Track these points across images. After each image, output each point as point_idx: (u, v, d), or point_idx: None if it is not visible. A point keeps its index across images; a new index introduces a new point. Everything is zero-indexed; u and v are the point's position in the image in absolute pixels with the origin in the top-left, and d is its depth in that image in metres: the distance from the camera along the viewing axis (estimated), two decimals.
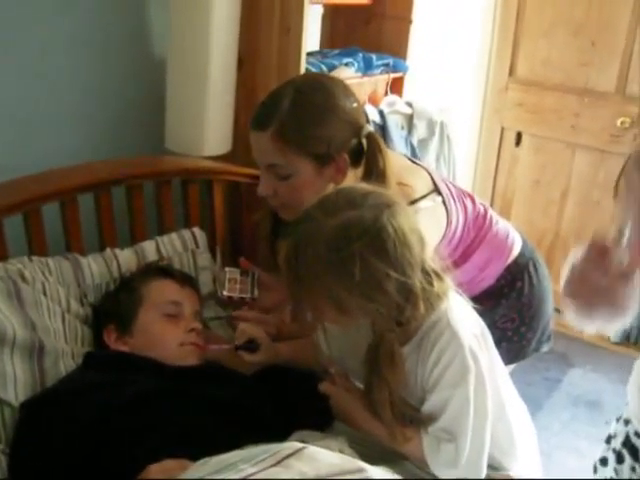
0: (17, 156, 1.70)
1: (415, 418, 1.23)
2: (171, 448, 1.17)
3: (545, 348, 1.82)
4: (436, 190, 1.49)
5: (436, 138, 2.35)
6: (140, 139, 1.98)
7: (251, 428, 1.29)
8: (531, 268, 1.71)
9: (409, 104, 2.29)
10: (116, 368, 1.38)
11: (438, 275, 1.15)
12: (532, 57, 3.29)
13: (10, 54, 1.67)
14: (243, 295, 1.61)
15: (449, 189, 1.54)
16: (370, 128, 1.45)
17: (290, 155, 1.37)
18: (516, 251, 1.68)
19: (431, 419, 1.20)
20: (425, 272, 1.13)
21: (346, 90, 1.43)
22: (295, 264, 1.11)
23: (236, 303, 1.64)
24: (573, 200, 3.34)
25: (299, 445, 0.97)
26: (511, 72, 3.36)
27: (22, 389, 1.31)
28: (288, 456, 0.95)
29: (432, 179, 1.51)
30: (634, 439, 1.30)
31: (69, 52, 1.79)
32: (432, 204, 1.46)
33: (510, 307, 1.71)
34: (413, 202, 1.42)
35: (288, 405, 1.40)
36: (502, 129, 3.48)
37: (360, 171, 1.43)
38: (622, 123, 3.07)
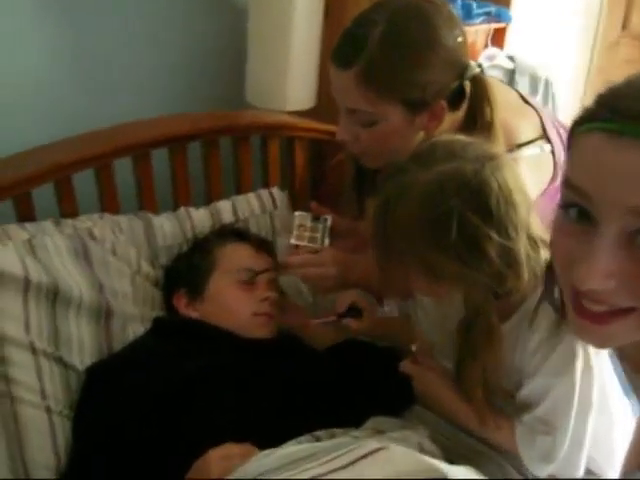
0: (92, 109, 1.64)
1: (509, 404, 1.11)
2: (236, 428, 1.10)
3: None
4: (545, 137, 1.29)
5: (539, 96, 2.14)
6: (219, 92, 1.88)
7: (324, 410, 1.21)
8: None
9: (511, 58, 2.09)
10: (185, 336, 1.31)
11: (545, 242, 0.99)
12: None
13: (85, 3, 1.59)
14: (312, 244, 1.42)
15: (561, 137, 1.33)
16: (476, 68, 1.21)
17: (377, 100, 1.17)
18: None
19: (528, 407, 1.08)
20: (530, 237, 0.98)
21: (451, 19, 1.18)
22: (384, 223, 0.98)
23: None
24: None
25: (374, 445, 0.86)
26: (624, 25, 3.07)
27: (88, 353, 1.26)
28: (361, 457, 0.83)
29: (542, 123, 1.31)
30: None
31: (146, 2, 1.70)
32: (538, 152, 1.27)
33: None
34: (517, 147, 1.24)
35: (365, 385, 1.30)
36: None
37: (459, 116, 1.23)
38: None
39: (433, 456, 1.08)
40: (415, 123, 1.20)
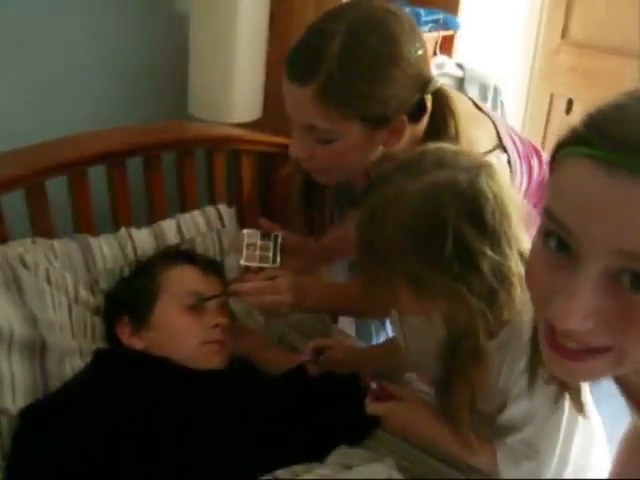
0: (24, 123, 1.52)
1: (489, 427, 1.06)
2: (190, 467, 1.03)
3: None
4: (501, 146, 1.25)
5: (489, 104, 2.11)
6: (160, 104, 1.78)
7: (285, 443, 1.13)
8: None
9: (460, 66, 2.06)
10: (129, 370, 1.21)
11: None
12: (587, 17, 3.02)
13: (22, 14, 1.49)
14: (264, 264, 1.34)
15: (515, 145, 1.29)
16: (438, 81, 1.16)
17: (336, 117, 1.09)
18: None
19: (511, 429, 1.02)
20: (521, 253, 0.93)
21: (413, 31, 1.11)
22: (370, 236, 0.92)
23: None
24: None
25: None
26: (564, 34, 3.11)
27: (21, 394, 1.14)
28: None
29: (497, 131, 1.26)
30: None
31: (84, 10, 1.61)
32: (496, 162, 1.19)
33: None
34: None
35: (326, 412, 1.22)
36: (551, 96, 3.23)
37: (419, 129, 1.18)
38: None
39: None
40: (375, 139, 1.14)
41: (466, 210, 0.87)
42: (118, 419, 1.08)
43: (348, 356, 1.30)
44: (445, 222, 0.86)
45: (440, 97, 1.15)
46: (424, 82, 1.13)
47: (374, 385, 1.12)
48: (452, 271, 0.88)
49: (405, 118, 1.12)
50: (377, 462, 1.08)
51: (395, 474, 1.05)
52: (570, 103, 3.19)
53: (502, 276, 0.91)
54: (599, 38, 3.01)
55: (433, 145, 0.97)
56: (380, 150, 1.16)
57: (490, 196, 0.88)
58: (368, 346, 1.50)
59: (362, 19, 1.08)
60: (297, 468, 1.05)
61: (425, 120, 1.16)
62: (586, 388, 1.03)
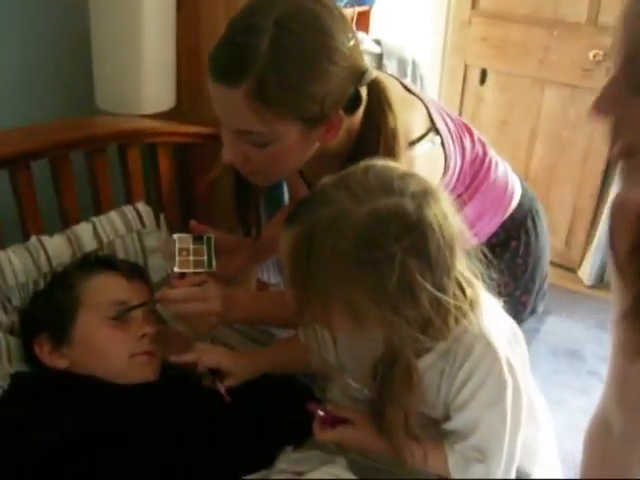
0: None
1: (439, 434, 1.06)
2: None
3: (541, 308, 1.63)
4: (434, 128, 1.22)
5: (408, 79, 2.09)
6: (64, 98, 1.67)
7: (228, 453, 1.10)
8: (529, 223, 1.48)
9: (377, 42, 2.03)
10: (52, 392, 1.13)
11: (470, 282, 0.96)
12: None
13: None
14: (199, 269, 1.25)
15: (447, 125, 1.26)
16: (373, 72, 1.10)
17: (271, 120, 1.03)
18: (515, 203, 1.42)
19: (459, 437, 1.03)
20: (457, 280, 0.94)
21: (344, 22, 1.05)
22: (306, 257, 0.87)
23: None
24: (542, 140, 3.17)
25: None
26: (474, 4, 3.14)
27: None
28: None
29: (429, 113, 1.23)
30: None
31: None
32: (430, 146, 1.19)
33: (502, 270, 1.50)
34: (410, 145, 1.15)
35: (268, 417, 1.19)
36: (465, 66, 3.27)
37: (355, 120, 1.13)
38: (594, 56, 2.87)
39: None
40: (312, 137, 1.08)
41: (413, 244, 0.85)
42: (44, 448, 1.01)
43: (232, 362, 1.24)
44: (392, 255, 0.84)
45: (376, 89, 1.10)
46: (359, 73, 1.07)
47: (321, 412, 1.09)
48: (391, 303, 0.87)
49: (342, 112, 1.07)
50: (329, 465, 1.06)
51: (347, 474, 1.05)
52: (484, 73, 3.23)
53: (439, 307, 0.90)
54: (508, 8, 3.05)
55: (378, 163, 0.93)
56: (317, 145, 1.10)
57: (436, 228, 0.86)
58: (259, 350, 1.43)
59: (291, 12, 1.00)
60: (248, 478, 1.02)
61: (361, 111, 1.11)
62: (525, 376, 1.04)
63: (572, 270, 3.21)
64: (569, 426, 2.23)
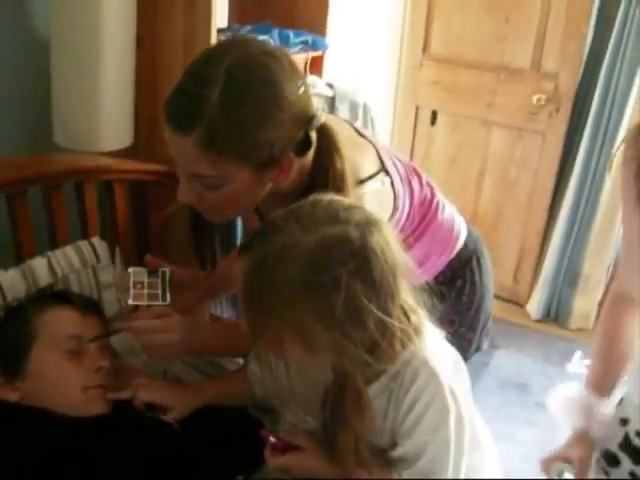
0: None
1: (387, 461, 1.08)
2: None
3: (485, 345, 1.69)
4: (384, 169, 1.27)
5: (360, 121, 2.17)
6: (22, 135, 1.70)
7: None
8: (474, 263, 1.55)
9: (330, 85, 2.10)
10: (4, 424, 1.13)
11: (414, 309, 1.01)
12: (446, 33, 3.19)
13: None
14: (153, 302, 1.28)
15: (396, 167, 1.33)
16: (322, 117, 1.15)
17: (222, 164, 1.07)
18: (460, 243, 1.49)
19: (406, 463, 1.06)
20: (402, 307, 0.98)
21: (293, 71, 1.11)
22: (258, 286, 0.91)
23: None
24: (490, 179, 3.29)
25: None
26: (425, 49, 3.26)
27: None
28: None
29: (379, 155, 1.29)
30: (636, 440, 1.18)
31: None
32: (380, 186, 1.25)
33: (448, 309, 1.56)
34: (359, 183, 1.20)
35: (219, 448, 1.21)
36: (417, 108, 3.38)
37: (306, 161, 1.18)
38: (538, 100, 3.02)
39: None
40: (264, 179, 1.13)
41: (358, 268, 0.89)
42: None
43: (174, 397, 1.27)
44: (338, 279, 0.88)
45: (325, 134, 1.15)
46: (308, 119, 1.12)
47: (272, 439, 1.11)
48: (339, 326, 0.90)
49: (292, 155, 1.12)
50: None
51: None
52: (434, 114, 3.34)
53: (385, 330, 0.94)
54: (457, 53, 3.18)
55: (326, 197, 0.98)
56: (269, 186, 1.16)
57: (379, 253, 0.91)
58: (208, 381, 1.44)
59: (241, 63, 1.05)
60: None
61: (311, 152, 1.17)
62: (468, 406, 1.08)
63: (520, 305, 3.29)
64: (518, 458, 2.29)
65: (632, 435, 1.17)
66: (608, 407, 1.24)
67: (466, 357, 1.62)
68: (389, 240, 0.94)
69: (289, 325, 0.92)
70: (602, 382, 1.26)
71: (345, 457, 1.03)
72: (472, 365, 3.22)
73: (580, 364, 2.90)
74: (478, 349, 1.65)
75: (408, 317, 1.00)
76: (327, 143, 1.15)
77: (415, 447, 1.03)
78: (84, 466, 1.07)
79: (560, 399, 1.27)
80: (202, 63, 1.08)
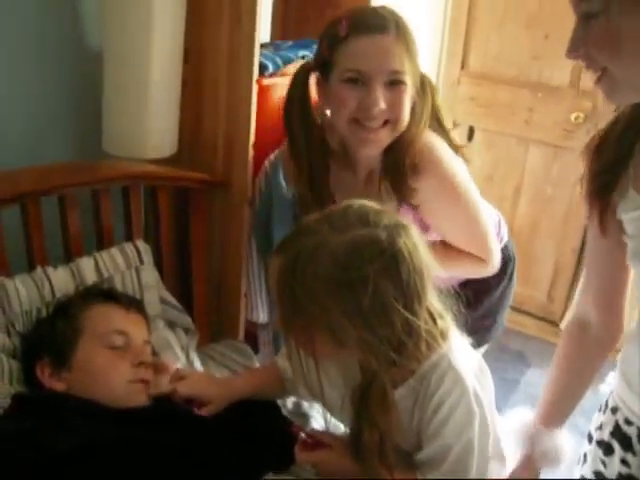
0: None
1: (412, 464, 1.12)
2: None
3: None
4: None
5: None
6: (73, 142, 1.77)
7: (214, 475, 1.15)
8: (510, 268, 1.61)
9: None
10: (50, 413, 1.18)
11: (440, 314, 1.05)
12: (484, 50, 3.20)
13: None
14: None
15: None
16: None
17: (408, 63, 1.33)
18: (504, 242, 1.60)
19: (431, 466, 1.09)
20: (429, 311, 1.02)
21: None
22: (291, 282, 0.97)
23: None
24: (526, 196, 3.28)
25: None
26: (463, 65, 3.27)
27: None
28: None
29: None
30: (625, 427, 1.19)
31: None
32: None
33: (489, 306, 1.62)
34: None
35: (252, 443, 1.25)
36: (454, 123, 3.37)
37: None
38: (576, 118, 3.01)
39: None
40: None
41: (385, 267, 0.94)
42: (41, 466, 1.05)
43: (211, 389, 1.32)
44: (366, 277, 0.92)
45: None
46: None
47: (303, 435, 1.16)
48: (367, 323, 0.95)
49: None
50: None
51: None
52: (471, 130, 3.35)
53: (411, 331, 0.98)
54: (496, 70, 3.19)
55: (357, 202, 1.04)
56: None
57: (407, 255, 0.95)
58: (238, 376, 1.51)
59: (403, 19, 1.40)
60: None
61: None
62: (492, 411, 1.11)
63: (554, 323, 3.26)
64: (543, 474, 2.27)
65: (621, 422, 1.17)
66: (553, 437, 1.23)
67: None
68: (417, 243, 0.98)
69: (319, 321, 0.97)
70: (550, 412, 1.25)
71: (370, 455, 1.06)
72: (504, 382, 3.23)
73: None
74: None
75: (435, 320, 1.03)
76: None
77: (440, 450, 1.06)
78: (125, 455, 1.12)
79: (511, 424, 1.26)
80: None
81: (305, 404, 1.50)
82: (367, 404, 1.04)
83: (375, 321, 0.95)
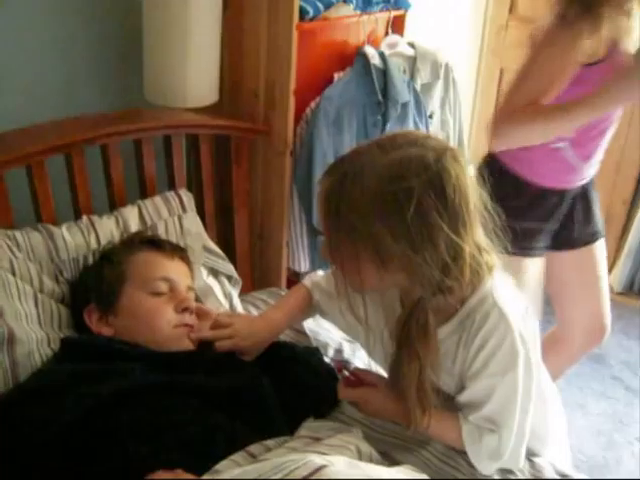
0: None
1: (454, 408, 1.13)
2: (166, 451, 1.04)
3: None
4: None
5: (440, 82, 2.15)
6: (116, 92, 1.77)
7: (255, 420, 1.16)
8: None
9: (411, 45, 2.09)
10: (98, 356, 1.21)
11: (487, 250, 1.02)
12: None
13: None
14: None
15: None
16: None
17: None
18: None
19: (473, 407, 1.09)
20: (476, 243, 1.00)
21: None
22: (337, 201, 0.96)
23: None
24: None
25: (315, 463, 0.82)
26: (511, 9, 3.14)
27: None
28: (305, 478, 0.79)
29: None
30: None
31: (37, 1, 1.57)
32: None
33: None
34: None
35: (294, 388, 1.27)
36: (502, 70, 3.28)
37: None
38: None
39: (370, 458, 1.07)
40: None
41: (430, 182, 0.93)
42: (91, 408, 1.08)
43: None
44: (410, 189, 0.91)
45: None
46: None
47: (346, 373, 1.17)
48: (411, 240, 0.93)
49: None
50: (345, 433, 1.12)
51: (363, 445, 1.09)
52: None
53: (455, 254, 0.96)
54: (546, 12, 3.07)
55: (406, 129, 1.03)
56: None
57: (453, 175, 0.94)
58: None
59: None
60: (269, 442, 1.08)
61: None
62: (536, 352, 1.09)
63: None
64: (589, 429, 2.26)
65: None
66: None
67: None
68: (465, 169, 0.97)
69: (364, 238, 0.95)
70: None
71: (408, 386, 1.06)
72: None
73: None
74: None
75: (481, 254, 1.01)
76: None
77: (481, 391, 1.06)
78: (172, 399, 1.13)
79: None
80: None
81: (347, 350, 1.51)
82: (408, 334, 1.03)
83: (419, 238, 0.93)
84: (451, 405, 1.14)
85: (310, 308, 1.37)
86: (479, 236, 1.01)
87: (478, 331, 1.03)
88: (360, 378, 1.18)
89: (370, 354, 1.25)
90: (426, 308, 1.01)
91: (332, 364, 1.38)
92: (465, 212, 0.96)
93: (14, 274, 1.28)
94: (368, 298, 1.08)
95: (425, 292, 1.00)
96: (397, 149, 0.96)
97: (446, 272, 0.97)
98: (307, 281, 1.39)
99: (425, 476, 0.98)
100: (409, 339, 1.04)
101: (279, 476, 0.80)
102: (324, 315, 1.38)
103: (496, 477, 1.14)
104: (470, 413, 1.09)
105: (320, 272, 1.41)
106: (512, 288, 1.10)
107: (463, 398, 1.10)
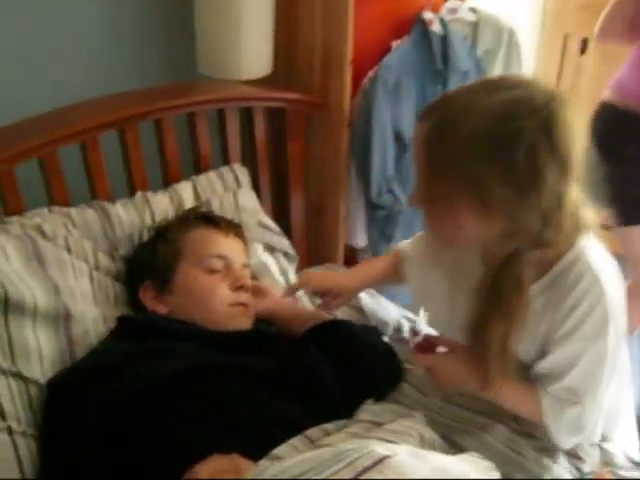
0: (31, 92, 1.49)
1: (531, 375, 1.06)
2: (223, 434, 1.01)
3: None
4: None
5: (503, 48, 2.05)
6: (169, 64, 1.75)
7: (310, 402, 1.13)
8: None
9: (473, 10, 1.99)
10: (154, 335, 1.19)
11: (585, 205, 0.96)
12: None
13: None
14: None
15: None
16: None
17: None
18: None
19: (554, 377, 1.02)
20: (576, 193, 0.94)
21: None
22: (439, 143, 0.91)
23: None
24: None
25: (378, 453, 0.77)
26: None
27: (49, 364, 1.14)
28: (367, 469, 0.75)
29: None
30: None
31: None
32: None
33: None
34: None
35: (353, 369, 1.22)
36: (565, 35, 3.13)
37: None
38: None
39: (433, 446, 1.03)
40: None
41: (541, 125, 0.87)
42: (147, 386, 1.06)
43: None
44: (520, 131, 0.86)
45: None
46: None
47: (419, 338, 1.13)
48: (516, 184, 0.88)
49: None
50: (407, 418, 1.08)
51: (427, 432, 1.05)
52: (585, 42, 3.10)
53: (558, 204, 0.91)
54: None
55: (512, 73, 0.99)
56: None
57: (562, 119, 0.88)
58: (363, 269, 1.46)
59: None
60: (328, 426, 1.05)
61: None
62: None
63: None
64: None
65: None
66: None
67: None
68: (575, 117, 0.91)
69: (466, 183, 0.90)
70: None
71: (491, 349, 0.99)
72: None
73: None
74: None
75: (580, 209, 0.96)
76: None
77: (569, 356, 0.99)
78: (224, 377, 1.11)
79: None
80: None
81: (406, 328, 1.46)
82: (498, 290, 0.97)
83: (525, 183, 0.88)
84: (526, 377, 1.08)
85: (395, 274, 1.34)
86: (579, 192, 0.95)
87: (571, 291, 0.97)
88: (432, 343, 1.13)
89: (441, 325, 1.19)
90: (522, 261, 0.95)
91: (407, 335, 1.35)
92: (573, 159, 0.90)
93: (69, 251, 1.27)
94: (451, 256, 1.03)
95: (523, 243, 0.94)
96: (503, 90, 0.90)
97: (546, 222, 0.91)
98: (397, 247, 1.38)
99: (497, 475, 0.92)
100: (499, 295, 0.97)
101: (340, 465, 0.76)
102: (404, 281, 1.32)
103: (567, 477, 1.08)
104: (550, 384, 1.03)
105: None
106: (604, 252, 1.03)
107: (544, 365, 1.03)
